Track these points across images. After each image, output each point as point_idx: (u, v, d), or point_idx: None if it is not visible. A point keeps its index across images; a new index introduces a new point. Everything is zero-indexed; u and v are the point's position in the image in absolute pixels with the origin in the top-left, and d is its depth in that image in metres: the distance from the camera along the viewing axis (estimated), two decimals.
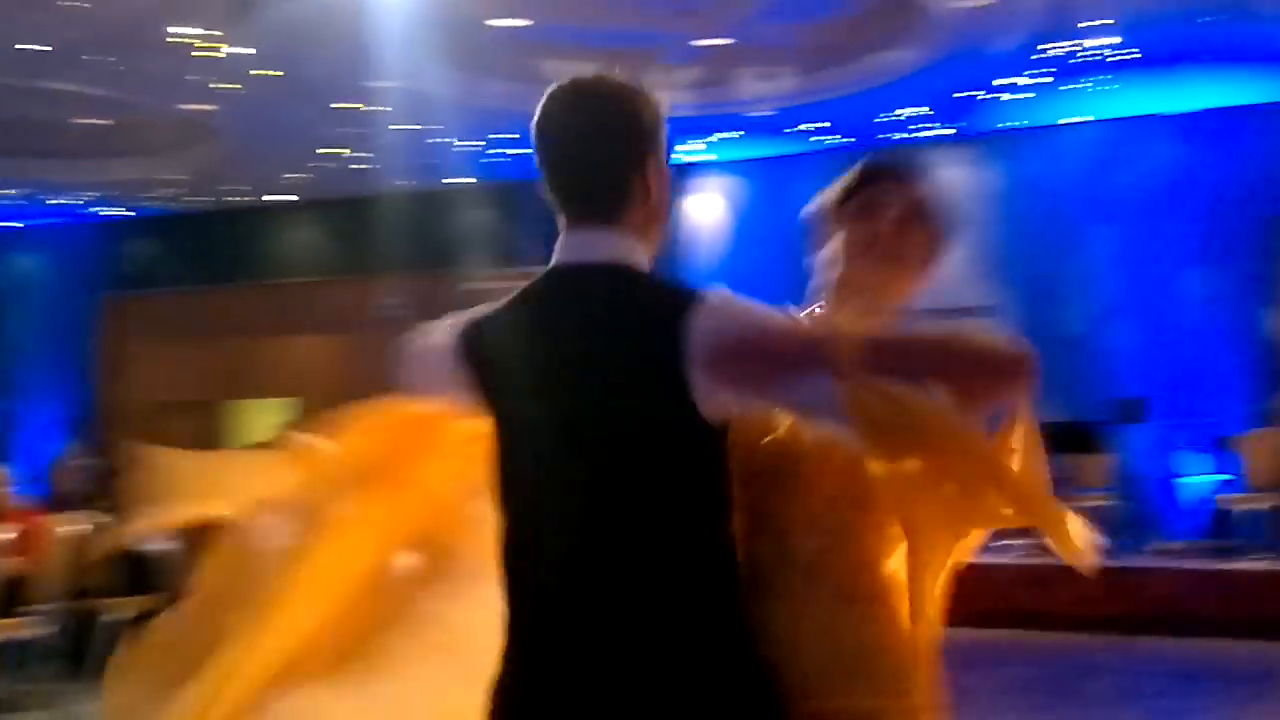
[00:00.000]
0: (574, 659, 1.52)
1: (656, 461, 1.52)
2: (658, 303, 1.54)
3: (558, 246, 1.62)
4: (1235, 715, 6.43)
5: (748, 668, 1.54)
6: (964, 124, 11.64)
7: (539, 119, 1.64)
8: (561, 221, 1.64)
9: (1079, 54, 9.63)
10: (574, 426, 1.54)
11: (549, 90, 1.63)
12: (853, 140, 11.95)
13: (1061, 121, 11.52)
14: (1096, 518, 8.05)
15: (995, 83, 10.33)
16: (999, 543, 9.59)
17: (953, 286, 10.13)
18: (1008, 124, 11.59)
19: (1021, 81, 10.30)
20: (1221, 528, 9.41)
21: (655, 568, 1.51)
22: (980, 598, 8.21)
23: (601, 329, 1.56)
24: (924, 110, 11.25)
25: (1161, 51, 9.55)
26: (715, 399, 1.51)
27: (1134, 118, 11.24)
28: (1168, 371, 10.63)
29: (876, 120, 11.43)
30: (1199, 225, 10.76)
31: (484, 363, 1.61)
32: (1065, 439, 9.51)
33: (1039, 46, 9.39)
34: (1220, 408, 10.20)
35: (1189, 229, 10.79)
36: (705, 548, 1.54)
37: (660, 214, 1.65)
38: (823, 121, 11.54)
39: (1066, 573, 1.76)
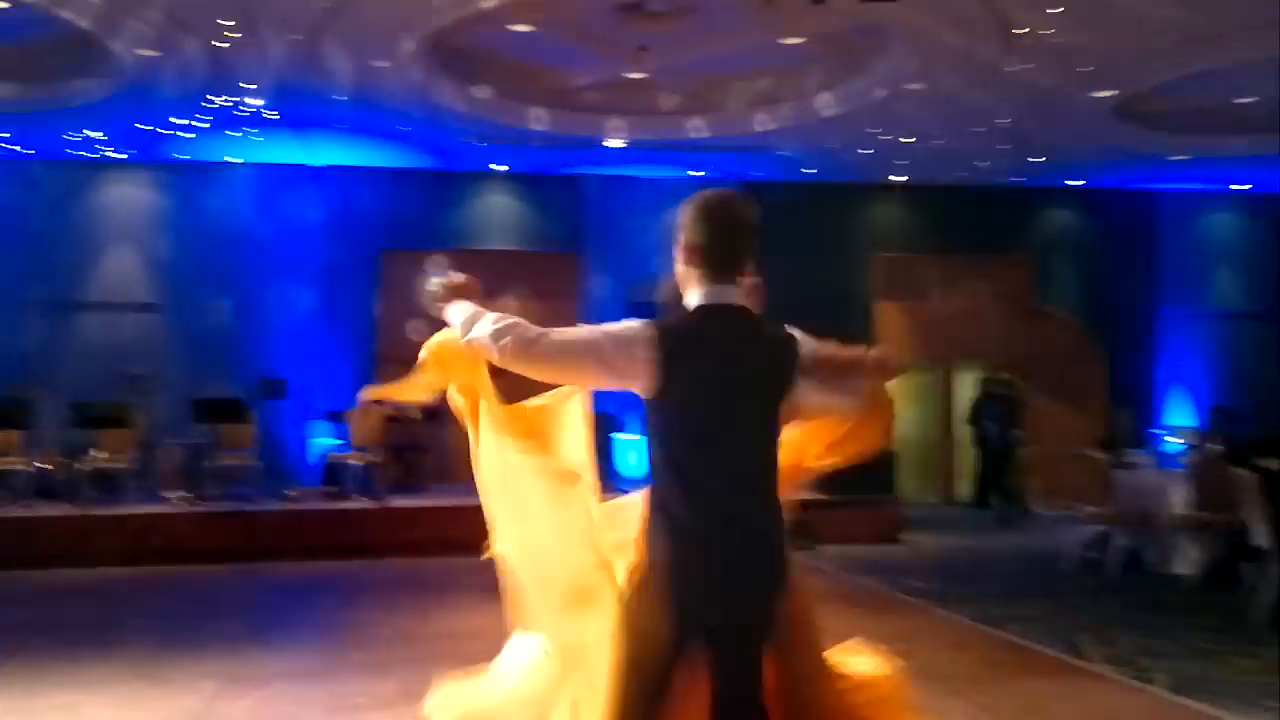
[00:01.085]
0: (738, 537, 2.52)
1: (775, 415, 2.62)
2: (776, 334, 2.66)
3: (703, 293, 2.60)
4: (355, 616, 7.38)
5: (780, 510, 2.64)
6: (144, 151, 13.37)
7: (725, 214, 2.64)
8: (702, 276, 2.60)
9: (238, 108, 11.67)
10: (740, 393, 2.55)
11: (715, 196, 2.68)
12: (33, 152, 13.10)
13: (226, 159, 13.86)
14: (244, 473, 10.20)
15: (171, 120, 12.06)
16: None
17: (133, 286, 12.52)
18: (182, 156, 13.57)
19: (192, 123, 12.17)
20: (334, 478, 12.08)
21: (768, 467, 2.61)
22: (151, 536, 9.93)
23: (753, 344, 2.61)
24: (103, 135, 12.65)
25: (299, 116, 12.13)
26: (797, 384, 2.66)
27: (280, 164, 14.06)
28: (300, 361, 13.62)
29: (64, 137, 12.71)
30: (326, 251, 13.97)
31: (673, 354, 2.52)
32: (221, 410, 11.93)
33: (207, 96, 11.30)
34: (335, 390, 13.27)
35: (319, 253, 13.94)
36: (776, 457, 2.66)
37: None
38: (5, 132, 12.49)
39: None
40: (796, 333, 2.70)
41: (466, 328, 2.61)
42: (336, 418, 12.79)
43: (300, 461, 13.37)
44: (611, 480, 12.83)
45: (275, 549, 10.20)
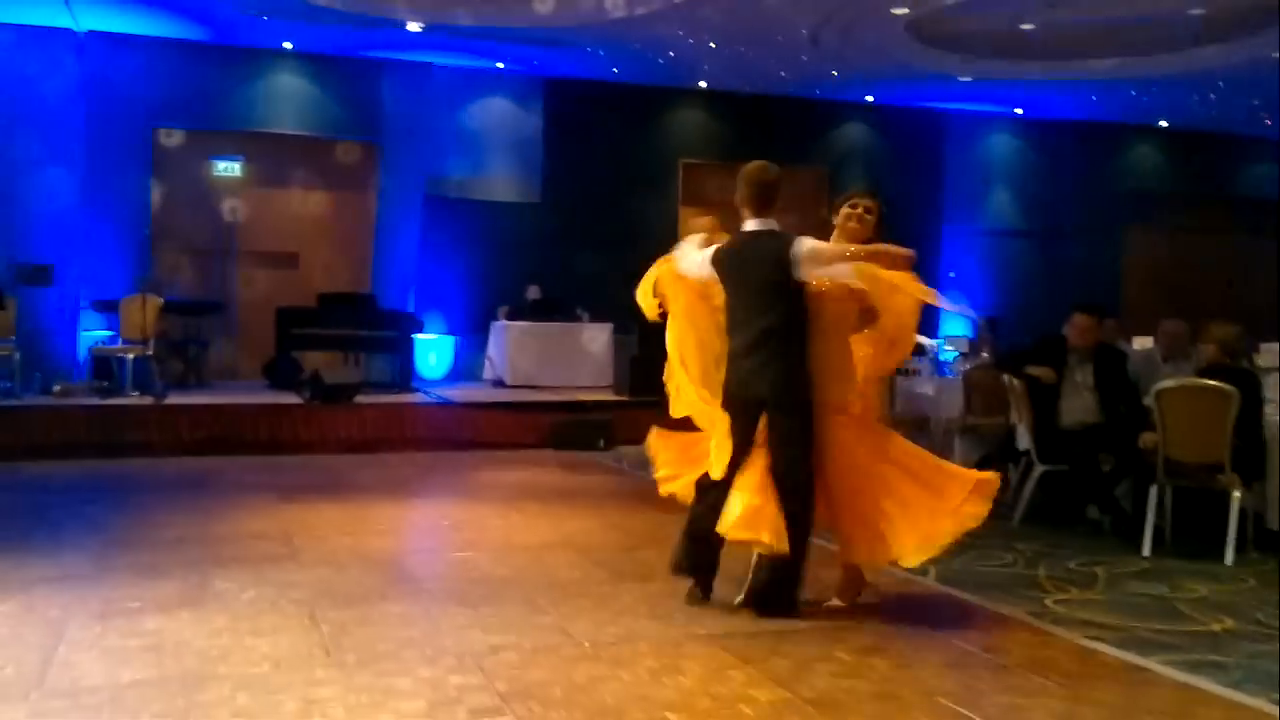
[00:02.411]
0: (751, 362, 4.75)
1: (784, 294, 4.71)
2: (778, 241, 4.72)
3: (750, 222, 4.86)
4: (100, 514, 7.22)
5: (803, 375, 4.72)
6: None
7: (756, 173, 4.90)
8: (748, 212, 4.88)
9: None
10: (749, 282, 4.78)
11: (752, 164, 4.95)
12: None
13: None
14: (3, 365, 9.64)
15: None
16: None
17: None
18: None
19: None
20: (104, 372, 11.47)
21: (782, 328, 4.73)
22: None
23: (763, 250, 4.75)
24: None
25: None
26: (799, 272, 4.66)
27: (34, 27, 12.69)
28: (66, 246, 12.69)
29: None
30: (91, 128, 12.87)
31: (720, 263, 4.84)
32: None
33: None
34: (106, 278, 12.53)
35: (82, 130, 12.84)
36: (797, 325, 4.74)
37: None
38: None
39: None
40: (800, 238, 4.68)
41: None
42: (107, 308, 12.07)
43: (69, 355, 12.58)
44: (413, 380, 11.73)
45: (40, 447, 9.69)
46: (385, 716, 3.47)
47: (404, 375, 12.33)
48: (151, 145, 13.14)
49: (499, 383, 13.04)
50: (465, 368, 13.89)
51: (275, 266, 13.95)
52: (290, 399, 11.02)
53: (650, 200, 14.79)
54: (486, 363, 13.44)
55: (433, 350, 13.72)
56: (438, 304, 13.77)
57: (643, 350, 10.45)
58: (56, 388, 11.19)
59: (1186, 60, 13.06)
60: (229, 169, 13.19)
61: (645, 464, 5.35)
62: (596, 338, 13.12)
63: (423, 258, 13.85)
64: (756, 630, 4.48)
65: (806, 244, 4.56)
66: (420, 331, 12.79)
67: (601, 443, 10.38)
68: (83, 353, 12.32)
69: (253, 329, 13.20)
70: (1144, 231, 17.45)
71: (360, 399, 11.07)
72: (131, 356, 11.35)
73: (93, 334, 12.48)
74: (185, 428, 10.29)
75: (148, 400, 10.76)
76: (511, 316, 13.21)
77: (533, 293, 13.53)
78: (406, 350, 12.47)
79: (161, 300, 11.58)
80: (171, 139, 13.35)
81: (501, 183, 14.37)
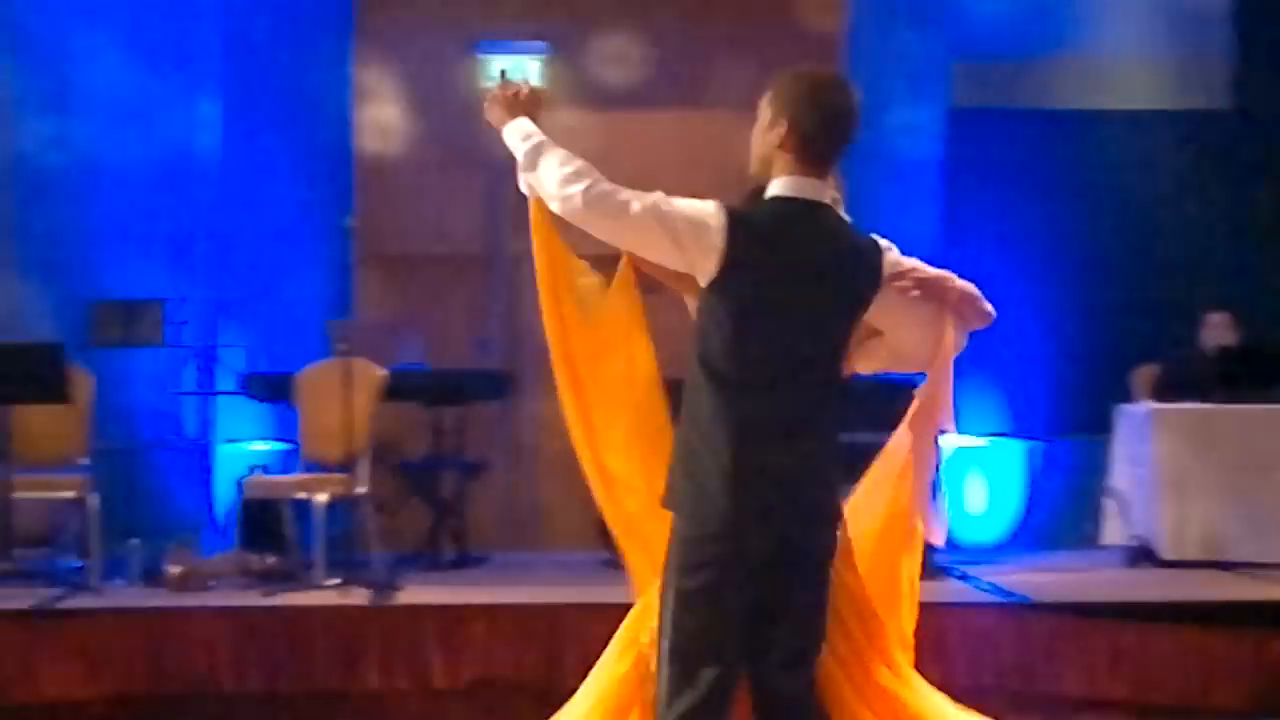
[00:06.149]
0: (791, 453, 2.39)
1: (844, 337, 2.50)
2: (863, 241, 2.50)
3: (789, 183, 2.40)
4: None
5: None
6: None
7: (840, 104, 2.44)
8: (796, 164, 2.40)
9: None
10: (809, 300, 2.41)
11: (832, 81, 2.49)
12: None
13: None
14: None
15: None
16: None
17: None
18: None
19: None
20: (265, 528, 5.87)
21: (837, 392, 2.48)
22: None
23: (839, 256, 2.45)
24: None
25: None
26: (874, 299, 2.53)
27: None
28: (204, 263, 6.84)
29: None
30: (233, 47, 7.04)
31: (747, 248, 2.34)
32: None
33: None
34: (269, 328, 6.82)
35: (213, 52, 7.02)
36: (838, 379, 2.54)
37: None
38: None
39: None
40: (884, 242, 2.57)
41: (529, 160, 2.45)
42: (271, 390, 6.43)
43: (197, 490, 6.79)
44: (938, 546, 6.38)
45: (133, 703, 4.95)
46: None
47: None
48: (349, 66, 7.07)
49: (1140, 553, 6.32)
50: (1050, 515, 7.24)
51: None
52: None
53: None
54: (1107, 505, 6.60)
55: (974, 472, 7.15)
56: (969, 359, 6.89)
57: None
58: (173, 568, 5.53)
59: None
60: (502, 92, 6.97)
61: None
62: None
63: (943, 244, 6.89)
64: None
65: (894, 251, 2.60)
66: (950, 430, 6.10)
67: None
68: (224, 487, 6.52)
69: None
70: None
71: None
72: (323, 499, 5.63)
73: (244, 447, 6.63)
74: (457, 669, 5.00)
75: (358, 597, 5.34)
76: (1166, 389, 6.33)
77: (1217, 331, 6.61)
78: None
79: (382, 374, 5.87)
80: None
81: (1124, 66, 7.38)
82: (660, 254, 2.40)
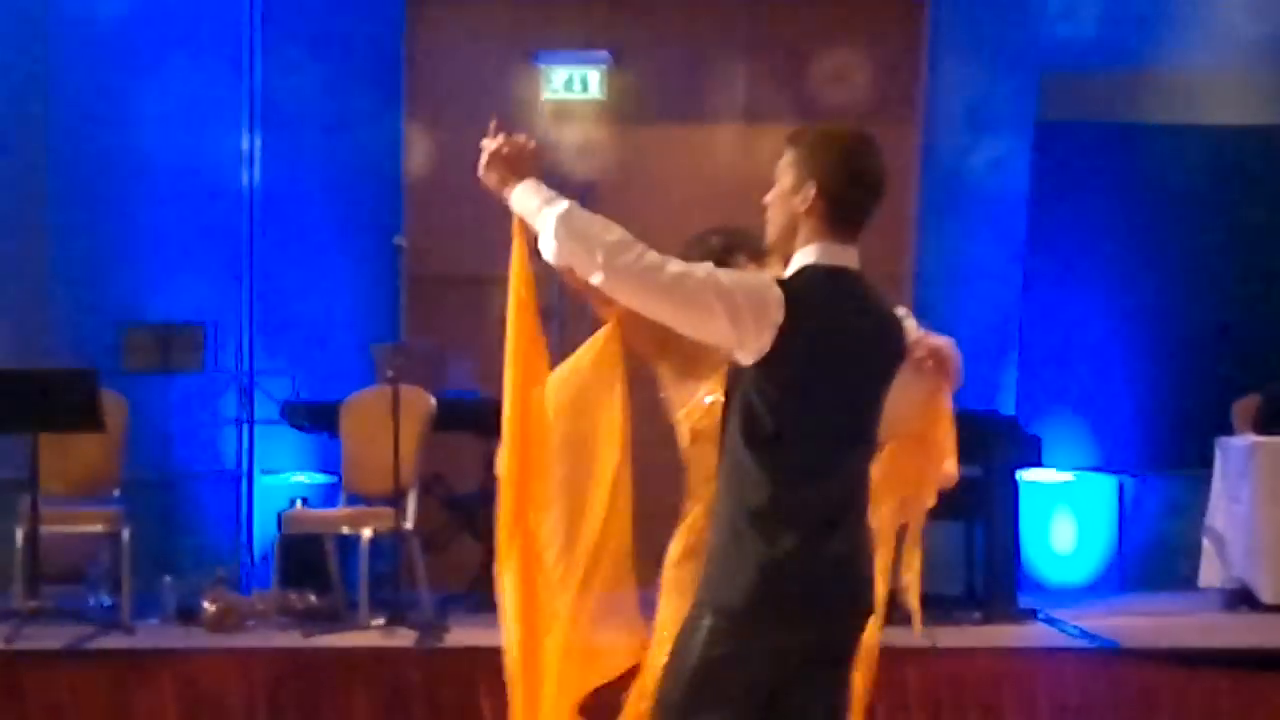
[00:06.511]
0: (844, 543, 2.29)
1: (881, 410, 2.40)
2: (890, 310, 2.43)
3: (822, 250, 2.27)
4: None
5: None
6: None
7: (870, 165, 2.31)
8: (825, 230, 2.28)
9: None
10: (861, 381, 2.35)
11: (860, 140, 2.33)
12: None
13: None
14: None
15: None
16: None
17: None
18: None
19: None
20: (307, 565, 5.82)
21: (869, 465, 2.41)
22: None
23: (878, 326, 2.38)
24: None
25: None
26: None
27: None
28: (236, 287, 6.66)
29: None
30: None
31: (803, 322, 2.21)
32: None
33: None
34: (313, 354, 6.71)
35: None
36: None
37: None
38: None
39: None
40: (900, 309, 2.54)
41: (564, 227, 2.17)
42: (315, 419, 6.46)
43: (234, 524, 6.74)
44: (1019, 590, 7.45)
45: None
46: None
47: (998, 577, 5.51)
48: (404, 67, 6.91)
49: (1240, 596, 6.07)
50: (1142, 555, 6.96)
51: None
52: None
53: None
54: (1204, 545, 6.27)
55: (1062, 509, 6.78)
56: (1055, 388, 6.37)
57: None
58: (210, 606, 5.47)
59: None
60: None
61: None
62: None
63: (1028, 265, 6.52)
64: None
65: (911, 319, 2.65)
66: (1036, 463, 5.74)
67: None
68: (264, 521, 6.41)
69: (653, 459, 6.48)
70: None
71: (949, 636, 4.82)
72: (368, 534, 5.58)
73: (285, 479, 6.52)
74: (508, 715, 3.78)
75: (404, 638, 5.34)
76: (1269, 421, 6.05)
77: None
78: (1002, 512, 5.39)
79: (431, 402, 5.80)
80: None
81: (1216, 81, 6.89)
82: (707, 330, 2.24)
